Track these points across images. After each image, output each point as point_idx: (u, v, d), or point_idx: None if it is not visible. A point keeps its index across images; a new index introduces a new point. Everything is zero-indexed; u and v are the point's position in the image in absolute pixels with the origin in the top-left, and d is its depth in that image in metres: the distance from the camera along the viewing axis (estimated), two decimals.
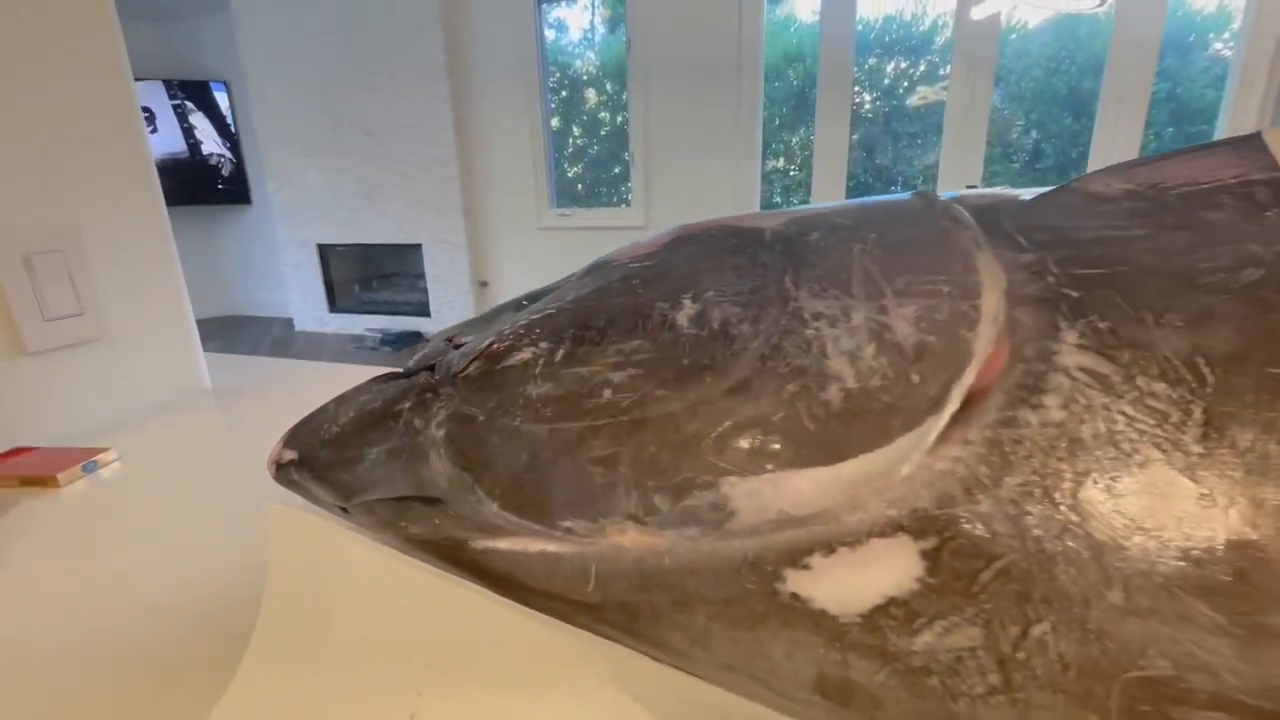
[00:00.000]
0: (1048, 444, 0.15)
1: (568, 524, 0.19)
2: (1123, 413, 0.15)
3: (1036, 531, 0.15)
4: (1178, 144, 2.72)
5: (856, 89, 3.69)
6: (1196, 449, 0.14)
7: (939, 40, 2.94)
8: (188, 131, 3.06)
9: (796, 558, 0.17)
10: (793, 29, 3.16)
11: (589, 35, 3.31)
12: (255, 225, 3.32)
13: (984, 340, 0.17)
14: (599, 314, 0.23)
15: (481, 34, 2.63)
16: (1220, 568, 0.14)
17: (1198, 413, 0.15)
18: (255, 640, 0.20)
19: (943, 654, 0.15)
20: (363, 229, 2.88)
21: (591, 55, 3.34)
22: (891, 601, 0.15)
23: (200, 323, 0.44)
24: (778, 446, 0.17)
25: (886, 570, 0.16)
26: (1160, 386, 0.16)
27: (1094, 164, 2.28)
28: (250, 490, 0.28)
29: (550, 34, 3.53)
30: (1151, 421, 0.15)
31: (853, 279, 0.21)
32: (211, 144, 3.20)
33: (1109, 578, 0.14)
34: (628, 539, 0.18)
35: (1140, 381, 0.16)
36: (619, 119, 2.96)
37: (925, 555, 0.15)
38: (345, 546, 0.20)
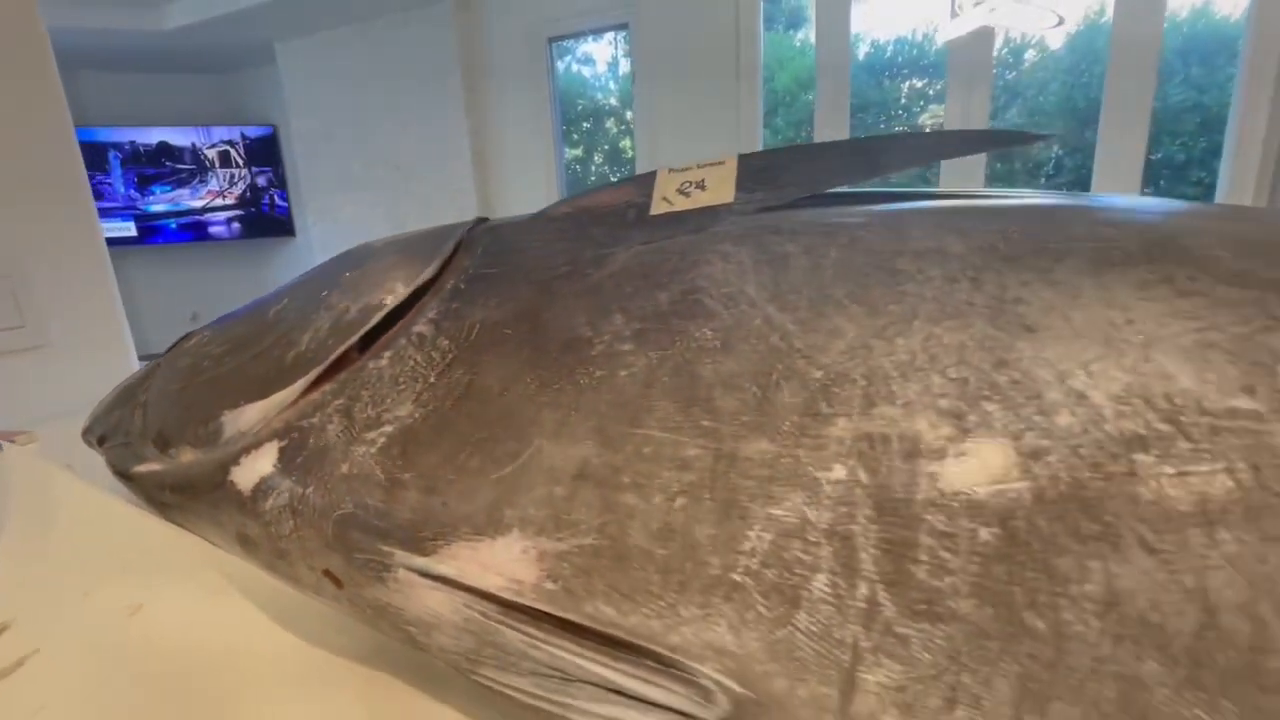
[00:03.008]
0: (379, 382, 0.26)
1: (171, 451, 0.30)
2: (423, 361, 0.26)
3: (337, 427, 0.25)
4: (1208, 154, 2.60)
5: (872, 110, 3.68)
6: (453, 391, 0.25)
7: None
8: (250, 174, 3.33)
9: (237, 457, 0.26)
10: (807, 53, 3.20)
11: (612, 67, 3.45)
12: (299, 255, 3.56)
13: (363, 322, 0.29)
14: (238, 315, 0.36)
15: (498, 72, 2.79)
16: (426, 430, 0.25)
17: (454, 368, 0.25)
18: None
19: (277, 513, 0.25)
20: None
21: (613, 86, 3.48)
22: (262, 479, 0.24)
23: None
24: (237, 388, 0.28)
25: (266, 459, 0.24)
26: (445, 342, 0.26)
27: (1097, 176, 2.22)
28: None
29: (579, 69, 3.68)
30: (425, 361, 0.26)
31: (315, 278, 0.35)
32: (265, 182, 3.47)
33: (376, 444, 0.25)
34: (186, 457, 0.29)
35: (439, 341, 0.26)
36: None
37: (281, 450, 0.25)
38: (61, 480, 0.29)
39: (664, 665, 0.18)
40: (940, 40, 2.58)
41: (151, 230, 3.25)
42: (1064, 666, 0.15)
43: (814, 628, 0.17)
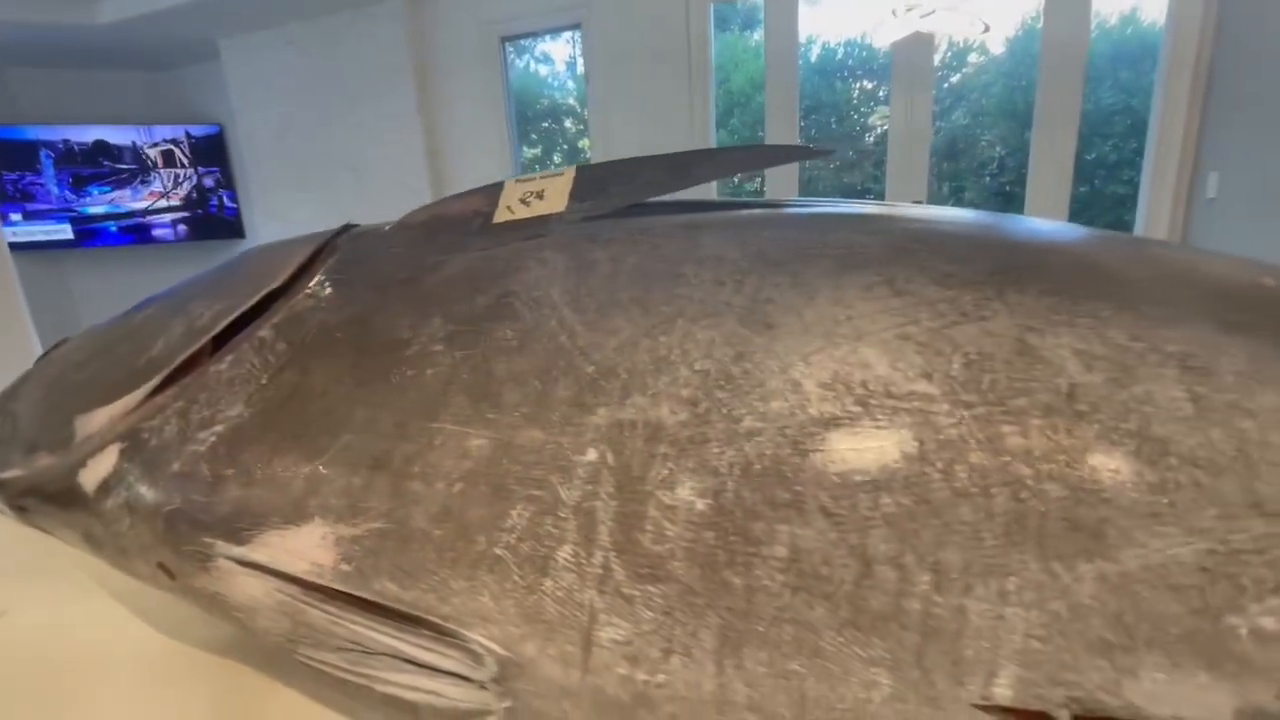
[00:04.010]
0: (217, 385, 0.27)
1: (32, 457, 0.30)
2: (259, 364, 0.27)
3: (174, 428, 0.27)
4: (1136, 155, 2.72)
5: (824, 110, 3.75)
6: (281, 392, 0.26)
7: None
8: (196, 174, 3.23)
9: (84, 460, 0.27)
10: (762, 55, 3.25)
11: (570, 66, 3.45)
12: None
13: (202, 335, 0.30)
14: (109, 320, 0.38)
15: (451, 71, 2.77)
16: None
17: (286, 370, 0.27)
18: None
19: (116, 511, 0.26)
20: None
21: (571, 85, 3.47)
22: (104, 480, 0.25)
23: None
24: (91, 393, 0.29)
25: (108, 461, 0.24)
26: (282, 345, 0.28)
27: (1031, 174, 2.32)
28: None
29: (536, 67, 3.66)
30: (260, 364, 0.27)
31: (188, 284, 0.36)
32: (212, 182, 3.37)
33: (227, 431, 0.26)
34: (42, 462, 0.29)
35: (277, 345, 0.28)
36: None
37: (122, 451, 0.24)
38: None
39: (440, 634, 0.20)
40: (875, 44, 2.65)
41: (90, 233, 3.13)
42: (754, 616, 0.17)
43: (559, 593, 0.19)
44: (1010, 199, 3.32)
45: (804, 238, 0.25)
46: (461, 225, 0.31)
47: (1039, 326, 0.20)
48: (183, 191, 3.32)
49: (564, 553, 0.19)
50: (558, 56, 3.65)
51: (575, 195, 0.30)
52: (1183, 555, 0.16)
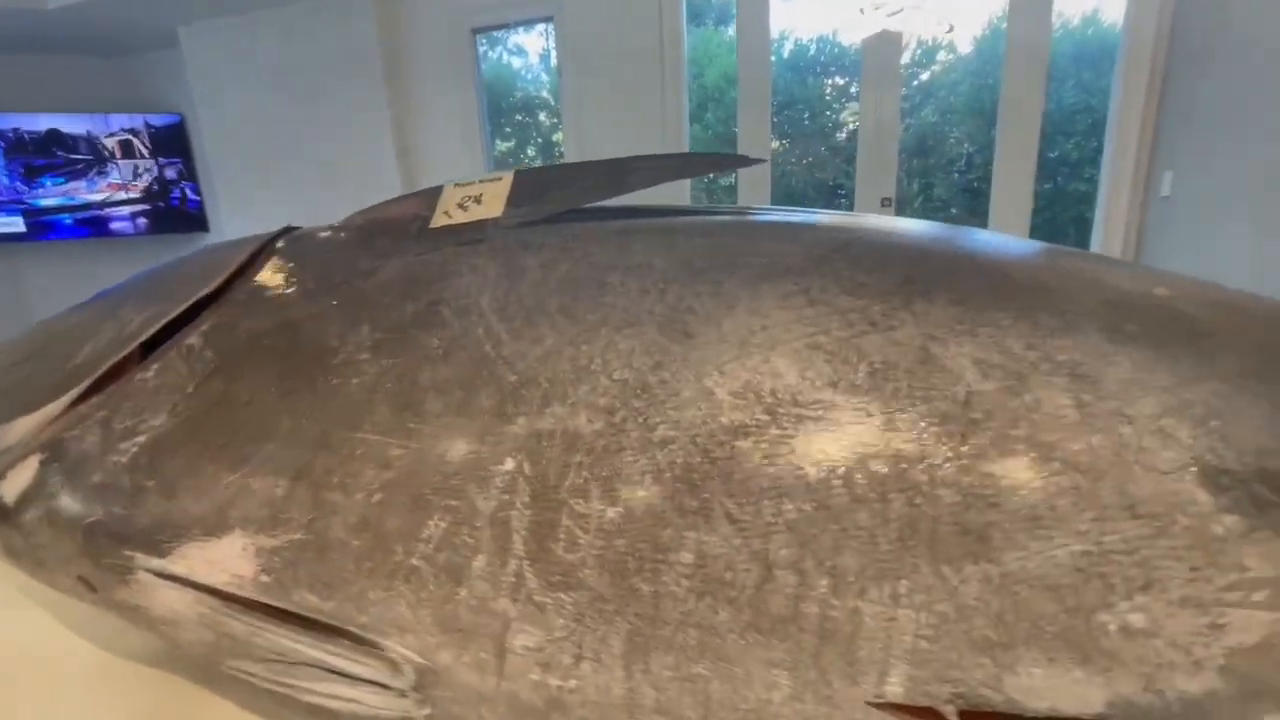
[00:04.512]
0: (141, 393, 0.27)
1: None
2: (186, 372, 0.27)
3: (95, 438, 0.26)
4: (1097, 153, 2.78)
5: (797, 106, 3.77)
6: (206, 401, 0.26)
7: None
8: (157, 165, 3.12)
9: (4, 471, 0.27)
10: (735, 50, 3.26)
11: (544, 58, 3.41)
12: None
13: (132, 339, 0.29)
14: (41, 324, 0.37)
15: (421, 62, 2.72)
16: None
17: (213, 379, 0.27)
18: None
19: (35, 523, 0.26)
20: None
21: (546, 78, 3.44)
22: (24, 492, 0.25)
23: None
24: (14, 402, 0.28)
25: (28, 472, 0.25)
26: (210, 353, 0.28)
27: (996, 172, 2.37)
28: None
29: (510, 59, 3.61)
30: (187, 372, 0.27)
31: (124, 286, 0.36)
32: (174, 174, 3.26)
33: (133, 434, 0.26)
34: None
35: (205, 353, 0.27)
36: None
37: (42, 462, 0.24)
38: None
39: (359, 643, 0.20)
40: (844, 41, 2.67)
41: (44, 226, 3.01)
42: (660, 621, 0.18)
43: (473, 602, 0.19)
44: (978, 195, 3.38)
45: (731, 246, 0.25)
46: (399, 229, 0.31)
47: (942, 336, 0.20)
48: (143, 183, 3.21)
49: (479, 562, 0.19)
50: (531, 49, 3.61)
51: (512, 201, 0.30)
52: (1060, 557, 0.17)
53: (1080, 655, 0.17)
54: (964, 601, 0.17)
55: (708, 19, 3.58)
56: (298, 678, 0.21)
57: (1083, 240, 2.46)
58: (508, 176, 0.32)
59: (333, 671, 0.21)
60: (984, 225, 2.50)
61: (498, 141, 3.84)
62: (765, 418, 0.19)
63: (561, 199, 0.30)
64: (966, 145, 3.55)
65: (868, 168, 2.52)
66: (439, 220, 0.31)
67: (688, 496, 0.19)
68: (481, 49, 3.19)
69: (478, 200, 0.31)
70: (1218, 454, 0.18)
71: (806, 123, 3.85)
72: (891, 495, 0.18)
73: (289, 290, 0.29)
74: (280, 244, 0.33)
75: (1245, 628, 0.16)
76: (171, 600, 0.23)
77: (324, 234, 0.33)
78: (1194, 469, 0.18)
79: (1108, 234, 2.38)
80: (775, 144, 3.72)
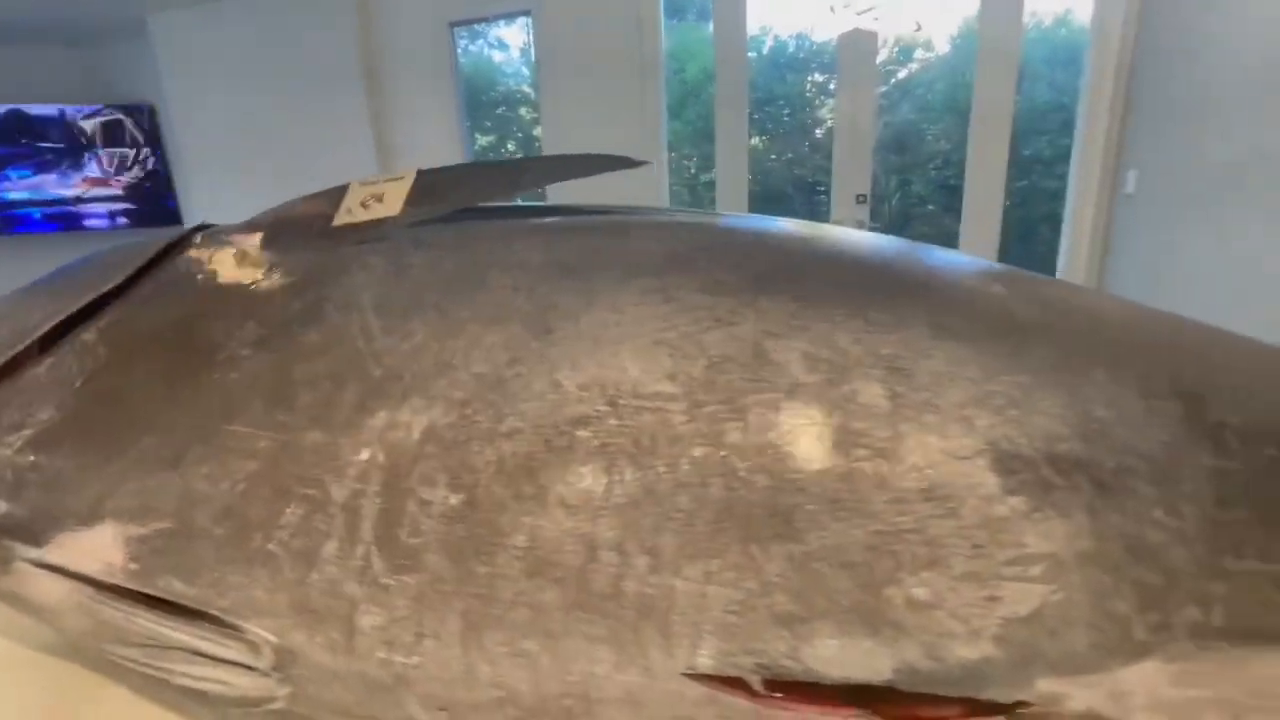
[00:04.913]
0: (34, 388, 0.27)
1: None
2: (77, 367, 0.28)
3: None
4: (1070, 151, 2.82)
5: (777, 102, 3.79)
6: (93, 395, 0.26)
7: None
8: (130, 158, 3.07)
9: None
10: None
11: (525, 52, 3.39)
12: None
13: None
14: None
15: (398, 56, 2.70)
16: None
17: (102, 373, 0.27)
18: None
19: None
20: None
21: (527, 71, 3.42)
22: None
23: None
24: None
25: None
26: (103, 349, 0.28)
27: (969, 169, 2.41)
28: None
29: (491, 52, 3.58)
30: (79, 367, 0.28)
31: (38, 282, 0.35)
32: (145, 169, 3.21)
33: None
34: None
35: (98, 349, 0.28)
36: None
37: None
38: None
39: (222, 626, 0.21)
40: (814, 39, 2.69)
41: (11, 220, 2.95)
42: (494, 601, 0.19)
43: (324, 585, 0.20)
44: (954, 192, 3.42)
45: (605, 245, 0.26)
46: (303, 227, 0.32)
47: (778, 331, 0.21)
48: (126, 179, 3.14)
49: (330, 547, 0.20)
50: (513, 42, 3.58)
51: (411, 200, 0.31)
52: (857, 536, 0.18)
53: (870, 627, 0.18)
54: (768, 579, 0.18)
55: (689, 14, 3.57)
56: (171, 661, 0.22)
57: (1054, 238, 2.51)
58: (410, 175, 0.33)
59: (200, 654, 0.22)
60: (958, 223, 2.54)
61: (478, 136, 3.81)
62: (606, 409, 0.20)
63: (457, 198, 0.31)
64: (943, 142, 3.59)
65: (843, 165, 2.54)
66: (342, 218, 0.32)
67: (526, 483, 0.20)
68: (462, 42, 3.16)
69: (379, 199, 0.32)
70: (1011, 440, 0.19)
71: (786, 119, 3.87)
72: (711, 480, 0.19)
73: (188, 287, 0.30)
74: (190, 241, 0.34)
75: (1020, 599, 0.18)
76: (49, 589, 0.23)
77: (234, 232, 0.34)
78: (987, 454, 0.19)
79: (1075, 231, 2.43)
80: (755, 140, 3.74)
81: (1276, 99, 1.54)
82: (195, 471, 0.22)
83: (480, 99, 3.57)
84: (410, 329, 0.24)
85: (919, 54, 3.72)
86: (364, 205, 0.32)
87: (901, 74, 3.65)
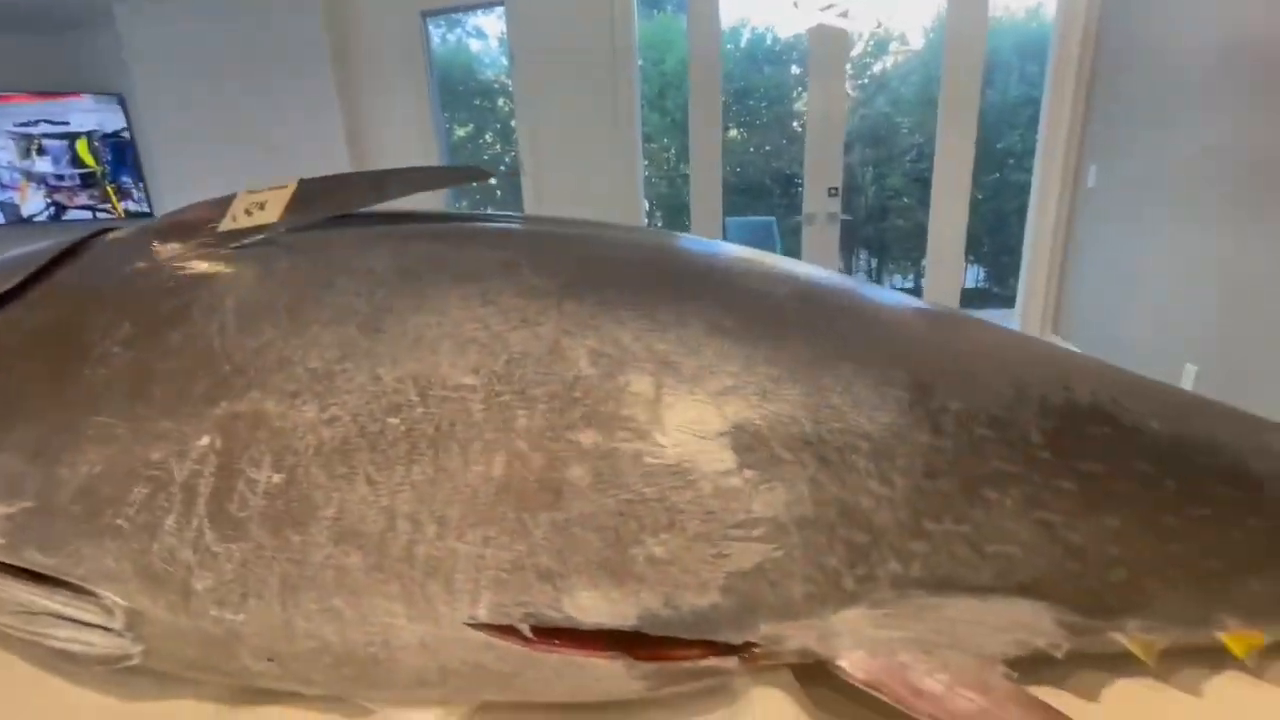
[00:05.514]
0: None
1: None
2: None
3: None
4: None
5: (755, 94, 3.79)
6: None
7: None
8: (94, 148, 3.03)
9: None
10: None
11: (504, 41, 3.38)
12: None
13: None
14: None
15: (368, 46, 2.68)
16: None
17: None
18: None
19: None
20: None
21: (505, 61, 3.40)
22: None
23: None
24: None
25: None
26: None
27: (937, 161, 2.45)
28: None
29: (469, 41, 3.56)
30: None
31: None
32: (120, 156, 3.16)
33: None
34: None
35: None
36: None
37: None
38: None
39: (79, 593, 0.24)
40: (788, 32, 2.70)
41: None
42: (307, 564, 0.22)
43: (164, 554, 0.23)
44: (927, 185, 3.47)
45: (446, 252, 0.29)
46: (191, 232, 0.34)
47: (573, 330, 0.25)
48: (87, 169, 3.10)
49: (169, 521, 0.23)
50: (491, 32, 3.56)
51: (290, 207, 0.34)
52: (609, 505, 0.21)
53: (617, 580, 0.21)
54: (535, 542, 0.21)
55: (667, 5, 3.57)
56: (41, 626, 0.25)
57: (1020, 229, 2.56)
58: (292, 184, 0.35)
59: (64, 618, 0.24)
60: (926, 214, 2.58)
61: (455, 127, 3.79)
62: (416, 399, 0.23)
63: (330, 206, 0.34)
64: (917, 135, 3.62)
65: (815, 158, 2.57)
66: (226, 224, 0.34)
67: (339, 464, 0.23)
68: (439, 31, 3.14)
69: (261, 207, 0.35)
70: (752, 424, 0.22)
71: (764, 111, 3.88)
72: (496, 460, 0.22)
73: (77, 289, 0.32)
74: (91, 244, 0.36)
75: (745, 557, 0.21)
76: None
77: (131, 235, 0.36)
78: (729, 436, 0.22)
79: (1039, 223, 2.48)
80: (734, 133, 3.75)
81: (1226, 98, 1.59)
82: (59, 457, 0.25)
83: (458, 89, 3.56)
84: (260, 329, 0.27)
85: (894, 47, 3.73)
86: (247, 212, 0.35)
87: (876, 68, 3.67)
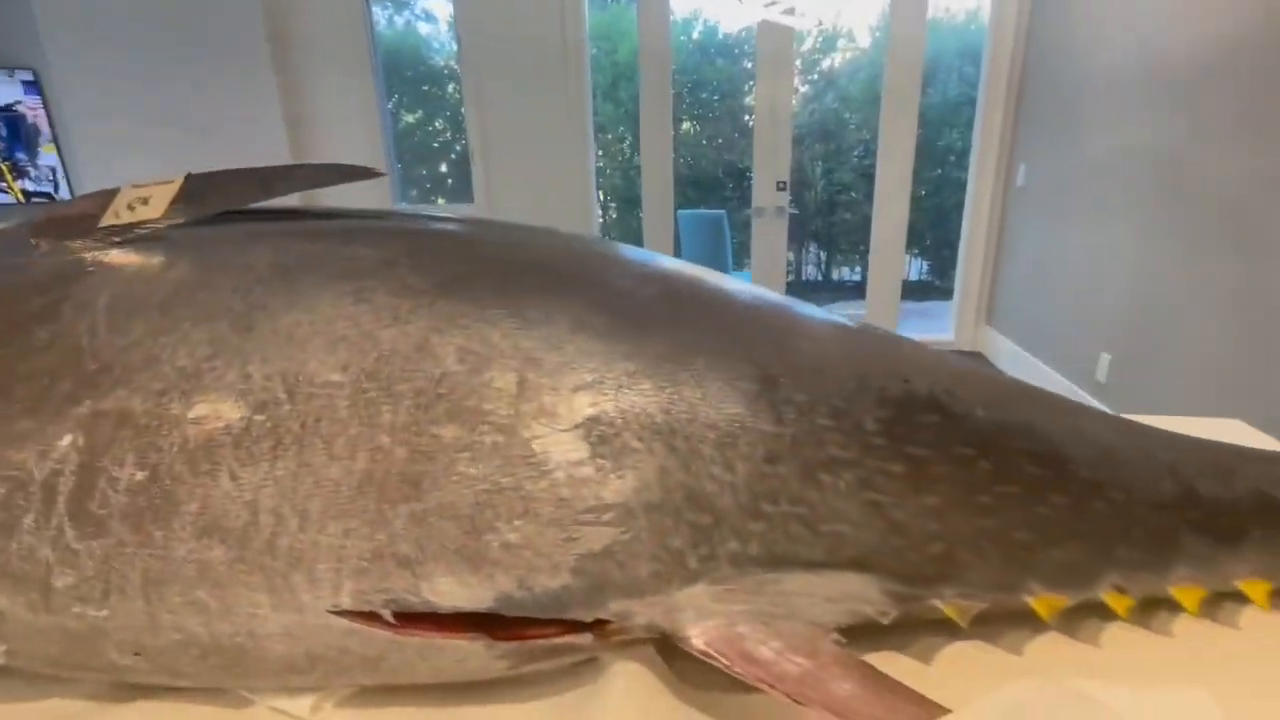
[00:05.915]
0: None
1: None
2: None
3: None
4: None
5: (707, 87, 3.81)
6: None
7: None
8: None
9: None
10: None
11: (454, 25, 3.29)
12: None
13: None
14: None
15: (308, 26, 2.58)
16: None
17: None
18: None
19: None
20: None
21: (455, 47, 3.32)
22: None
23: None
24: None
25: None
26: None
27: (880, 158, 2.53)
28: None
29: (417, 24, 3.45)
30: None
31: None
32: (12, 133, 2.94)
33: None
34: None
35: None
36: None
37: None
38: None
39: None
40: (735, 27, 2.74)
41: None
42: (170, 559, 0.23)
43: (22, 553, 0.23)
44: (873, 179, 3.57)
45: (326, 250, 0.30)
46: (70, 227, 0.34)
47: (442, 328, 0.26)
48: None
49: (28, 520, 0.23)
50: (441, 15, 3.46)
51: (175, 203, 0.33)
52: (467, 495, 0.23)
53: (472, 566, 0.22)
54: (395, 532, 0.22)
55: None
56: None
57: (960, 224, 2.67)
58: (179, 180, 0.35)
59: None
60: (870, 209, 2.67)
61: (403, 113, 3.68)
62: (283, 396, 0.24)
63: (217, 202, 0.33)
64: (864, 132, 3.71)
65: (764, 152, 2.61)
66: (108, 219, 0.34)
67: (204, 460, 0.23)
68: (385, 13, 3.04)
69: (145, 202, 0.34)
70: (607, 416, 0.24)
71: (716, 104, 3.90)
72: (359, 454, 0.23)
73: None
74: None
75: (594, 539, 0.23)
76: None
77: (7, 230, 0.35)
78: (583, 428, 0.24)
79: (974, 220, 2.60)
80: (686, 125, 3.77)
81: (1135, 103, 1.70)
82: None
83: (405, 74, 3.45)
84: (131, 327, 0.27)
85: (842, 45, 3.81)
86: (130, 207, 0.34)
87: (825, 64, 3.75)
